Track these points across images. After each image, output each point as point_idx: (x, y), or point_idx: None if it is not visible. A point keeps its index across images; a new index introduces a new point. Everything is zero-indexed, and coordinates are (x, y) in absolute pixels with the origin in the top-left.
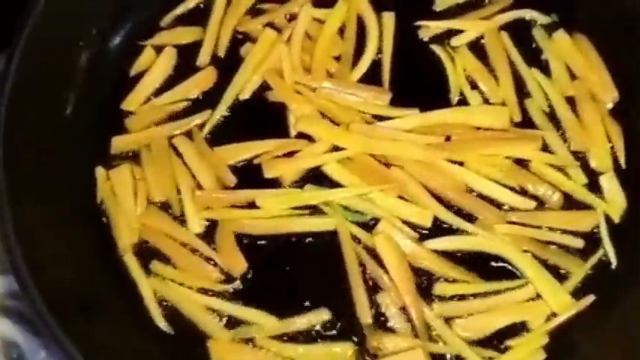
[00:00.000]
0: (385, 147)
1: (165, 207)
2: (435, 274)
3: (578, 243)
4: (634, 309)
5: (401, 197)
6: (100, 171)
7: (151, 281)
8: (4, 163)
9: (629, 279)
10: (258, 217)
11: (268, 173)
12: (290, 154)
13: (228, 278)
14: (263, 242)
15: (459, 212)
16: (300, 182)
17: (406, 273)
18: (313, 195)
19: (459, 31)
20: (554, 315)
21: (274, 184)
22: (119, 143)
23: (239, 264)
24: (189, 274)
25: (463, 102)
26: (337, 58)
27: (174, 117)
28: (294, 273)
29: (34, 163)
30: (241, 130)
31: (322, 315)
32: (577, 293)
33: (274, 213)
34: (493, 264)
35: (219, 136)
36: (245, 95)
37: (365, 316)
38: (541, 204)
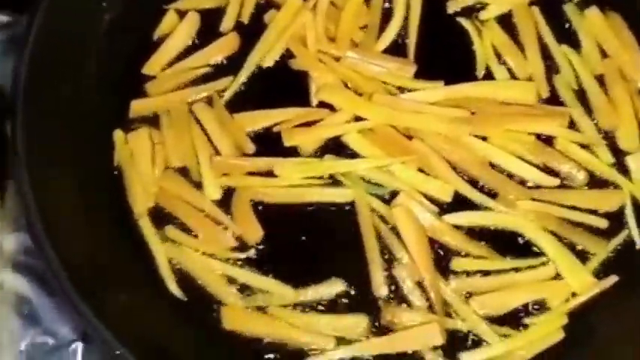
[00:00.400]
0: (408, 119)
1: (183, 173)
2: (454, 249)
3: (603, 223)
4: None
5: (421, 170)
6: (118, 134)
7: (165, 247)
8: (22, 123)
9: None
10: (276, 185)
11: (287, 141)
12: (310, 124)
13: (244, 246)
14: (280, 211)
15: (480, 188)
16: (320, 152)
17: (424, 247)
18: (332, 165)
19: (488, 5)
20: (574, 295)
21: (293, 153)
22: (138, 107)
23: (255, 232)
24: (205, 240)
25: (489, 77)
26: (363, 28)
27: (195, 83)
28: (310, 243)
29: (52, 124)
30: (262, 98)
31: (337, 286)
32: (599, 273)
33: (292, 182)
34: (514, 241)
35: (240, 103)
36: (268, 63)
37: (380, 288)
38: (565, 182)
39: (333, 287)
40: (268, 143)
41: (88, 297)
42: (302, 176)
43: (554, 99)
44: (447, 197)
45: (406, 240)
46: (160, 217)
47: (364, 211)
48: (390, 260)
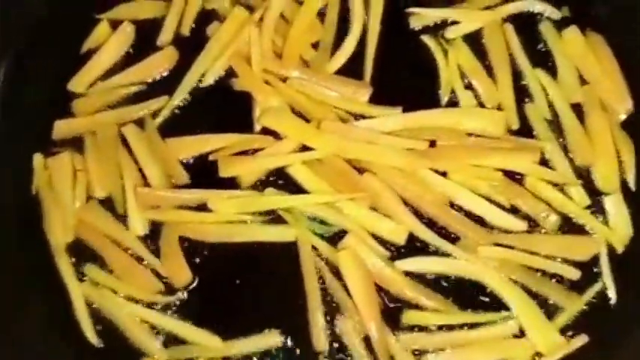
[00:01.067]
0: (359, 150)
1: (107, 203)
2: (405, 299)
3: (575, 274)
4: (634, 355)
5: (373, 209)
6: (37, 158)
7: (83, 287)
8: None
9: (629, 318)
10: (209, 221)
11: (224, 172)
12: (252, 152)
13: (170, 289)
14: (212, 250)
15: (438, 230)
16: (260, 185)
17: (371, 296)
18: (273, 200)
19: (455, 22)
20: (539, 355)
21: (231, 184)
22: (62, 128)
23: (183, 274)
24: (127, 281)
25: (454, 103)
26: (315, 46)
27: (127, 102)
28: (245, 288)
29: None
30: (199, 121)
31: (273, 338)
32: (568, 331)
33: (227, 218)
34: (473, 292)
35: (175, 126)
36: (207, 81)
37: (320, 343)
38: (534, 226)
39: (267, 339)
40: (203, 173)
41: None
42: (239, 212)
43: (524, 130)
44: (400, 240)
45: (352, 288)
46: (79, 252)
47: (307, 253)
48: (333, 310)
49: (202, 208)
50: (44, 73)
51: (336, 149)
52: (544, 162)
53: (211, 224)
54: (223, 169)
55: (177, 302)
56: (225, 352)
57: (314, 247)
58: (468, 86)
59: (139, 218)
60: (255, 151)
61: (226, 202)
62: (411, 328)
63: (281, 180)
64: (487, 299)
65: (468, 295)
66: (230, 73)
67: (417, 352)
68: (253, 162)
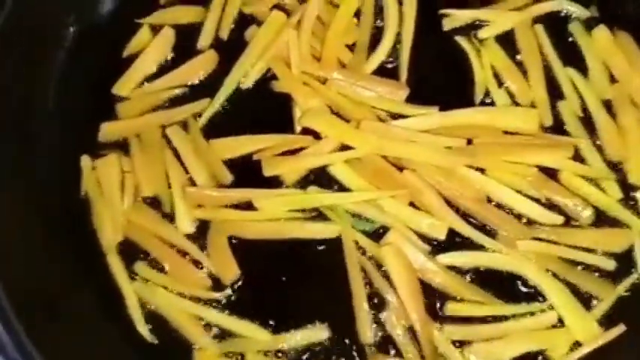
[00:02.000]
0: (399, 148)
1: (154, 203)
2: (448, 292)
3: (610, 264)
4: None
5: (413, 205)
6: (85, 160)
7: (135, 285)
8: None
9: None
10: (255, 219)
11: (267, 171)
12: (293, 152)
13: (219, 285)
14: (259, 247)
15: (477, 225)
16: (303, 183)
17: (415, 290)
18: (316, 198)
19: (488, 22)
20: (578, 345)
21: (274, 183)
22: (108, 130)
23: (231, 270)
24: (177, 278)
25: (488, 102)
26: (351, 47)
27: (170, 104)
28: (292, 283)
29: (13, 148)
30: (241, 123)
31: (320, 332)
32: (605, 321)
33: (272, 216)
34: (514, 285)
35: (217, 127)
36: (247, 84)
37: (366, 335)
38: (569, 220)
39: (316, 333)
40: (247, 172)
41: (43, 345)
42: (283, 209)
43: (558, 127)
44: (440, 235)
45: (395, 282)
46: (130, 252)
47: (350, 248)
48: (378, 303)
49: (248, 206)
50: (89, 78)
51: (375, 148)
52: (578, 158)
53: (257, 222)
54: (267, 168)
55: (226, 298)
56: (274, 345)
57: (357, 243)
58: (502, 85)
59: (186, 217)
60: (297, 150)
61: (270, 200)
62: (454, 320)
63: (323, 179)
64: (525, 291)
65: (507, 287)
66: (270, 76)
67: (458, 343)
68: (296, 161)
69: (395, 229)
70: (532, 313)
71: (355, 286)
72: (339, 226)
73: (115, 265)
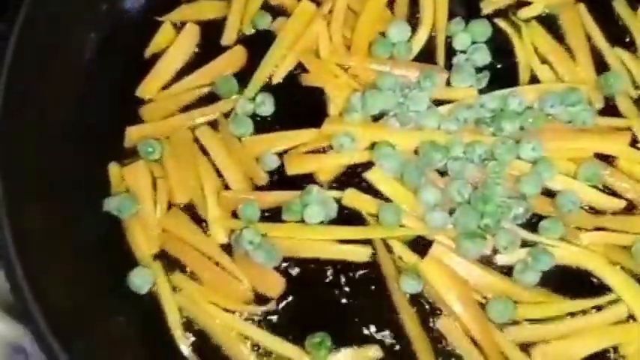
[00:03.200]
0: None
1: (189, 209)
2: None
3: None
4: None
5: None
6: (113, 168)
7: (176, 297)
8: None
9: None
10: (287, 236)
11: (291, 169)
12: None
13: (262, 298)
14: (300, 262)
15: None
16: (339, 183)
17: (466, 299)
18: (353, 232)
19: (527, 3)
20: None
21: (313, 180)
22: (134, 135)
23: (274, 284)
24: (216, 291)
25: (534, 81)
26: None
27: (198, 104)
28: (337, 299)
29: (36, 161)
30: (273, 119)
31: (372, 352)
32: None
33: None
34: (577, 280)
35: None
36: (278, 78)
37: (421, 351)
38: (633, 208)
39: (367, 352)
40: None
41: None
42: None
43: (610, 109)
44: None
45: (444, 295)
46: (166, 262)
47: (388, 266)
48: (431, 311)
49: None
50: (111, 82)
51: (416, 143)
52: (634, 142)
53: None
54: (290, 166)
55: (270, 313)
56: None
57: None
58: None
59: (220, 226)
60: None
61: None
62: (516, 321)
63: (362, 179)
64: (591, 286)
65: (572, 282)
66: (300, 69)
67: (525, 345)
68: (323, 159)
69: (438, 242)
70: (599, 308)
71: (399, 301)
72: (371, 249)
73: (158, 276)
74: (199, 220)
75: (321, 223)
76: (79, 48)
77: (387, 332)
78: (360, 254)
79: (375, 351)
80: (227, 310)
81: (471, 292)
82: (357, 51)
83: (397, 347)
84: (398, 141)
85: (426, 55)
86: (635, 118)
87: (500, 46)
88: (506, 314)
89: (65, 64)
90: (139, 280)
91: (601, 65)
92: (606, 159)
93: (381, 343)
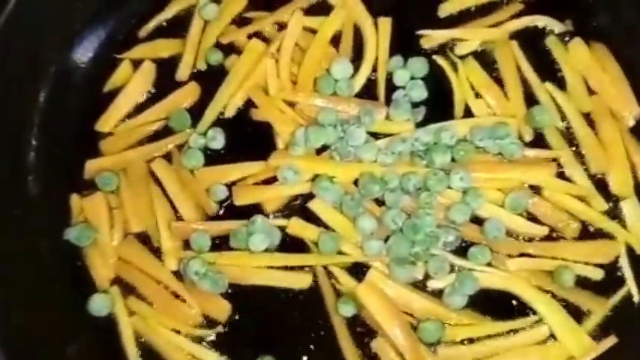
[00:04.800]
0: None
1: (144, 237)
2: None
3: (598, 274)
4: None
5: None
6: (74, 199)
7: (132, 319)
8: None
9: None
10: (233, 264)
11: (238, 200)
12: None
13: (210, 322)
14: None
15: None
16: (284, 212)
17: (399, 321)
18: (295, 259)
19: (464, 40)
20: (571, 359)
21: (260, 210)
22: (93, 167)
23: (221, 309)
24: (166, 315)
25: (468, 114)
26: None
27: (153, 138)
28: (282, 320)
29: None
30: (224, 152)
31: None
32: (596, 334)
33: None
34: (502, 302)
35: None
36: (229, 113)
37: None
38: (555, 234)
39: None
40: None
41: None
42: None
43: (539, 140)
44: (418, 275)
45: (378, 319)
46: (122, 288)
47: (328, 291)
48: (367, 333)
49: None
50: (73, 116)
51: (354, 176)
52: (560, 171)
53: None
54: (238, 197)
55: (217, 335)
56: None
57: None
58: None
59: (172, 254)
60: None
61: (240, 259)
62: (446, 342)
63: (306, 209)
64: (515, 307)
65: (497, 305)
66: (251, 104)
67: None
68: (269, 190)
69: (374, 267)
70: (523, 329)
71: (337, 325)
72: (312, 277)
73: (116, 300)
74: (153, 248)
75: (266, 250)
76: (40, 81)
77: (325, 354)
78: (301, 281)
79: None
80: (178, 332)
81: (402, 314)
82: (302, 87)
83: None
84: (337, 173)
85: (369, 91)
86: (561, 149)
87: (438, 82)
88: (435, 335)
89: (27, 97)
90: (98, 305)
91: (532, 99)
92: (534, 188)
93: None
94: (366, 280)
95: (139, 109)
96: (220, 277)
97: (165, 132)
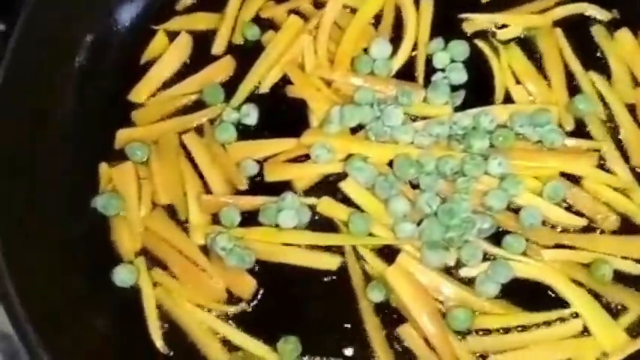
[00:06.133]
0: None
1: (172, 210)
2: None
3: (637, 269)
4: None
5: None
6: (103, 167)
7: (156, 291)
8: None
9: None
10: (261, 240)
11: (269, 176)
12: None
13: (235, 298)
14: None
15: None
16: (315, 191)
17: (428, 307)
18: (324, 239)
19: (508, 26)
20: (605, 355)
21: (290, 188)
22: (124, 137)
23: (247, 285)
24: (192, 289)
25: (508, 100)
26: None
27: (186, 111)
28: (307, 302)
29: (31, 159)
30: (257, 128)
31: None
32: (634, 331)
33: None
34: (536, 294)
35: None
36: (264, 89)
37: (382, 354)
38: (594, 228)
39: None
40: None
41: (54, 349)
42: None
43: (580, 130)
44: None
45: (406, 303)
46: (147, 260)
47: (356, 273)
48: (396, 320)
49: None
50: (106, 86)
51: (389, 156)
52: (601, 164)
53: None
54: (269, 173)
55: (242, 312)
56: None
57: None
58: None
59: (199, 228)
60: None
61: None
62: (476, 331)
63: (337, 189)
64: (549, 300)
65: (531, 296)
66: (286, 80)
67: (482, 356)
68: (300, 168)
69: (405, 252)
70: (556, 322)
71: (364, 309)
72: (341, 258)
73: (141, 271)
74: (180, 222)
75: (295, 228)
76: (75, 49)
77: (351, 340)
78: (329, 262)
79: None
80: (201, 307)
81: (432, 300)
82: (339, 65)
83: (360, 356)
84: (372, 153)
85: (407, 72)
86: (603, 140)
87: (478, 66)
88: (465, 323)
89: (62, 65)
90: (123, 276)
91: (574, 88)
92: (573, 178)
93: (345, 350)
94: (396, 262)
95: (173, 81)
96: (247, 253)
97: (198, 106)
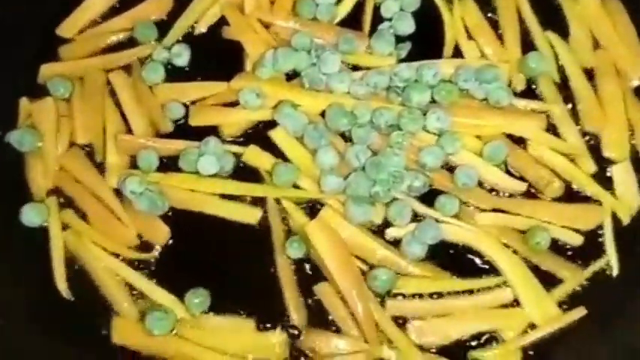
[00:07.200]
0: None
1: (91, 151)
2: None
3: (577, 239)
4: (631, 330)
5: None
6: (23, 101)
7: (65, 234)
8: None
9: (630, 291)
10: (179, 186)
11: (193, 120)
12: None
13: (146, 245)
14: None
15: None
16: (244, 139)
17: (348, 265)
18: (245, 188)
19: None
20: (533, 327)
21: (217, 134)
22: (48, 72)
23: (159, 232)
24: (102, 233)
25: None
26: None
27: (117, 48)
28: (222, 255)
29: None
30: (189, 69)
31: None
32: (564, 304)
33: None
34: (466, 259)
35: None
36: (200, 29)
37: (295, 313)
38: (535, 193)
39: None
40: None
41: None
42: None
43: (532, 92)
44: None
45: (325, 260)
46: (59, 200)
47: (277, 225)
48: (313, 278)
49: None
50: (32, 18)
51: (322, 105)
52: (550, 126)
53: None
54: (194, 117)
55: (154, 260)
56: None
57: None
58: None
59: (115, 170)
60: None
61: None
62: (397, 295)
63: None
64: (479, 267)
65: (459, 261)
66: (224, 22)
67: (402, 320)
68: (228, 113)
69: (329, 205)
70: (484, 290)
71: (282, 266)
72: (261, 211)
73: (52, 209)
74: (97, 164)
75: (216, 176)
76: None
77: (264, 296)
78: (250, 215)
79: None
80: (110, 253)
81: (353, 259)
82: (280, 8)
83: (272, 312)
84: (304, 101)
85: (353, 21)
86: (555, 103)
87: (429, 18)
88: (386, 284)
89: None
90: (32, 215)
91: (529, 47)
92: (519, 141)
93: (256, 306)
94: (318, 216)
95: (105, 17)
96: (159, 197)
97: (130, 44)
